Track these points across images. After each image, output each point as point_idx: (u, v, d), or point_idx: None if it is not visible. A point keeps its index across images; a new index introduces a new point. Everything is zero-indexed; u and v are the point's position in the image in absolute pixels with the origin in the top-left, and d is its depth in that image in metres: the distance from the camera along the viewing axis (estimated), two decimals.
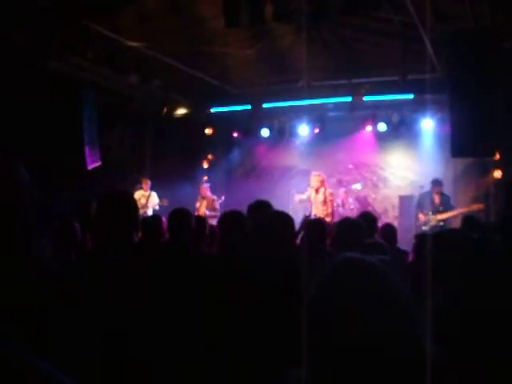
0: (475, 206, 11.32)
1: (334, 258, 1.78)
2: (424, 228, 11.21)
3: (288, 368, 1.77)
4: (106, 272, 3.05)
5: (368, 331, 1.59)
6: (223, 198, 13.56)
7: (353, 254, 1.80)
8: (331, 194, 11.99)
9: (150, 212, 12.26)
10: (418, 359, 1.59)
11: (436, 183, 11.63)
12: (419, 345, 1.63)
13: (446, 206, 11.45)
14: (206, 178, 13.73)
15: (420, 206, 11.83)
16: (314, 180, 11.93)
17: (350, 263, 1.75)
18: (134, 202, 3.54)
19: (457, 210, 11.33)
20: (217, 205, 13.20)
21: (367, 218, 6.05)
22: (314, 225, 5.40)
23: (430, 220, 11.32)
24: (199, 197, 13.43)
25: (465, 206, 11.46)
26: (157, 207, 12.53)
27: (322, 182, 11.90)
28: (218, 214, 12.55)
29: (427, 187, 11.84)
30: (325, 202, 11.81)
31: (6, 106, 9.16)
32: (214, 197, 13.40)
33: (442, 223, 11.15)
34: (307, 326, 1.66)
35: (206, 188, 13.47)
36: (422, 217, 11.50)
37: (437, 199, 11.54)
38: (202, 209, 13.04)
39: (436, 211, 11.40)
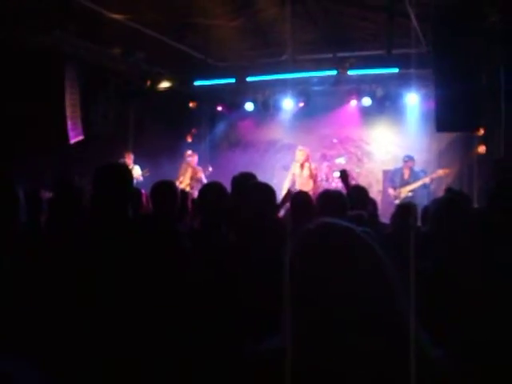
0: (441, 172, 11.59)
1: (310, 223, 1.77)
2: (396, 202, 11.49)
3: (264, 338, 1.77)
4: (102, 244, 3.04)
5: (346, 295, 1.58)
6: (210, 169, 13.52)
7: (328, 219, 1.79)
8: (315, 169, 12.03)
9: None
10: (400, 324, 1.59)
11: (407, 158, 11.97)
12: (399, 309, 1.61)
13: (414, 178, 11.75)
14: (189, 152, 13.66)
15: (391, 181, 12.18)
16: (300, 155, 11.95)
17: (325, 226, 1.74)
18: (130, 174, 3.52)
19: (423, 179, 11.62)
20: (201, 176, 13.17)
21: (358, 191, 6.04)
22: (299, 198, 5.37)
23: (400, 193, 11.64)
24: (183, 169, 13.39)
25: (432, 173, 11.71)
26: (141, 178, 12.46)
27: (307, 157, 11.92)
28: (203, 183, 12.62)
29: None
30: (311, 177, 11.84)
31: None
32: (200, 168, 13.38)
33: (410, 194, 11.49)
34: (287, 291, 1.64)
35: (193, 160, 13.42)
36: (391, 191, 11.91)
37: (406, 174, 11.86)
38: (185, 181, 12.99)
39: (406, 184, 11.71)
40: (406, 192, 11.74)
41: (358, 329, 1.55)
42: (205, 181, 13.02)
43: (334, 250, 1.65)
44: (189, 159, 13.45)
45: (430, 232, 3.40)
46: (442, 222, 3.26)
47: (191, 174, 13.24)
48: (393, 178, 12.28)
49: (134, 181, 12.09)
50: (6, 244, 2.29)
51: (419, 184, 11.68)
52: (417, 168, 12.16)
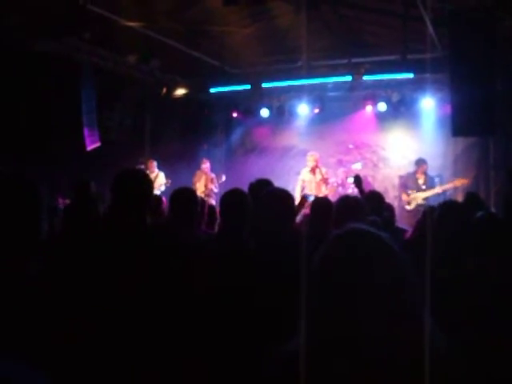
0: (458, 182, 11.40)
1: (339, 229, 1.80)
2: (407, 207, 11.39)
3: (282, 342, 1.79)
4: (117, 253, 3.05)
5: (369, 302, 1.62)
6: (224, 177, 13.55)
7: (357, 224, 1.83)
8: (326, 173, 12.05)
9: (157, 192, 12.20)
10: (417, 333, 1.61)
11: (419, 162, 11.78)
12: (419, 316, 1.65)
13: (430, 184, 11.59)
14: (205, 161, 13.72)
15: (404, 186, 12.02)
16: (311, 159, 11.99)
17: (355, 232, 1.77)
18: (149, 180, 3.52)
19: (439, 188, 11.45)
20: (214, 184, 13.23)
21: (373, 197, 6.04)
22: (319, 203, 5.35)
23: (414, 199, 11.48)
24: (197, 176, 13.44)
25: (449, 183, 11.55)
26: (162, 188, 12.50)
27: (317, 162, 11.94)
28: (214, 192, 12.69)
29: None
30: (323, 181, 11.85)
31: (4, 89, 9.12)
32: (213, 175, 13.44)
33: (423, 202, 11.34)
34: (309, 296, 1.68)
35: (207, 167, 13.50)
36: (404, 197, 11.71)
37: (421, 179, 11.69)
38: (201, 188, 13.04)
39: (420, 190, 11.56)
40: (419, 199, 11.54)
41: (380, 328, 1.60)
42: (216, 190, 13.06)
43: (362, 255, 1.69)
44: (203, 166, 13.52)
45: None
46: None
47: (205, 181, 13.30)
48: (406, 183, 12.09)
49: (161, 188, 12.23)
50: (31, 251, 2.31)
51: (434, 193, 11.50)
52: (432, 173, 12.01)
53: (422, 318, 1.64)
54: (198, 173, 13.56)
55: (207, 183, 13.31)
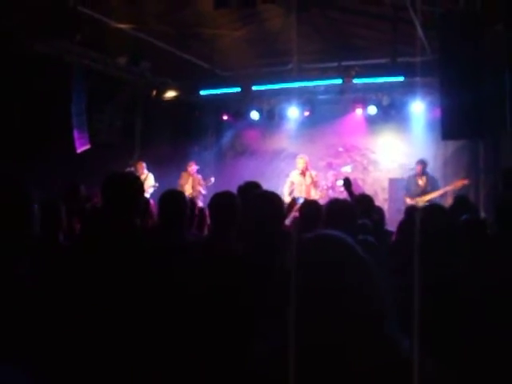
0: (459, 183, 11.39)
1: (303, 236, 1.83)
2: None
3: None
4: (107, 256, 3.04)
5: (335, 300, 1.65)
6: (213, 179, 13.51)
7: (324, 230, 1.87)
8: (316, 176, 12.07)
9: (147, 195, 12.14)
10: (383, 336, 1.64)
11: (418, 164, 11.75)
12: (384, 324, 1.67)
13: (432, 186, 11.56)
14: (191, 163, 13.70)
15: (407, 190, 11.94)
16: (300, 162, 12.00)
17: (325, 237, 1.81)
18: (139, 183, 3.51)
19: (442, 189, 11.43)
20: (202, 186, 13.22)
21: (363, 200, 6.06)
22: (309, 206, 5.35)
23: (417, 202, 11.40)
24: (183, 178, 13.42)
25: (450, 184, 11.53)
26: (151, 190, 12.46)
27: (307, 164, 11.96)
28: (202, 194, 12.68)
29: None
30: (314, 185, 11.87)
31: None
32: (200, 177, 13.43)
33: (427, 204, 11.24)
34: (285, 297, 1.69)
35: (193, 169, 13.49)
36: (408, 201, 11.61)
37: (422, 181, 11.66)
38: (188, 190, 13.00)
39: (422, 193, 11.51)
40: (423, 201, 11.45)
41: (344, 328, 1.62)
42: (204, 192, 13.04)
43: (326, 260, 1.71)
44: (189, 168, 13.50)
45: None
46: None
47: (192, 183, 13.28)
48: (408, 186, 12.00)
49: (150, 190, 12.19)
50: (20, 251, 2.30)
51: (437, 194, 11.46)
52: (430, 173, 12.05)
53: (388, 326, 1.67)
54: (184, 174, 13.54)
55: (195, 185, 13.30)
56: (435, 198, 11.34)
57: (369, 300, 1.67)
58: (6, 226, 2.24)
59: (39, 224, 2.45)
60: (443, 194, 11.40)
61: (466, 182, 11.48)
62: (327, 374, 1.60)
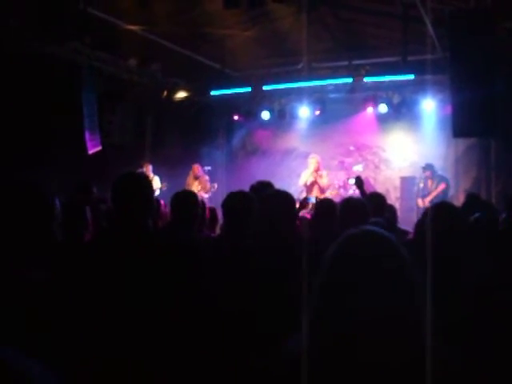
0: (439, 188, 11.68)
1: (348, 231, 1.83)
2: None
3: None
4: (123, 257, 3.04)
5: (376, 303, 1.64)
6: (216, 185, 13.46)
7: (367, 226, 1.88)
8: (327, 175, 12.07)
9: None
10: (418, 336, 1.64)
11: (424, 169, 11.91)
12: (419, 319, 1.67)
13: (436, 187, 11.73)
14: (196, 165, 13.64)
15: (422, 191, 12.08)
16: (313, 162, 11.92)
17: (368, 232, 1.81)
18: (150, 184, 3.51)
19: (432, 194, 11.68)
20: (203, 193, 13.16)
21: (375, 199, 6.05)
22: (324, 204, 5.34)
23: (425, 203, 11.58)
24: (190, 180, 13.38)
25: (433, 191, 11.81)
26: (157, 192, 12.47)
27: (319, 164, 11.93)
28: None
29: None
30: (330, 185, 11.88)
31: (4, 92, 9.13)
32: (206, 178, 13.38)
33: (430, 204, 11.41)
34: (314, 295, 1.71)
35: (198, 170, 13.43)
36: (419, 202, 11.77)
37: (430, 183, 11.79)
38: (197, 188, 12.96)
39: (429, 194, 11.73)
40: (427, 202, 11.59)
41: (379, 329, 1.62)
42: (206, 196, 12.94)
43: (374, 255, 1.72)
44: (195, 170, 13.43)
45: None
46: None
47: (199, 184, 13.24)
48: (423, 187, 12.21)
49: (156, 192, 12.16)
50: (38, 257, 2.33)
51: (436, 193, 11.60)
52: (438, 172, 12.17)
53: (424, 324, 1.66)
54: (191, 177, 13.42)
55: (203, 187, 13.18)
56: (437, 196, 11.60)
57: (412, 293, 1.69)
58: (24, 232, 2.26)
59: (63, 227, 2.47)
60: (435, 196, 11.58)
61: (443, 186, 11.68)
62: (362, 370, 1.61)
